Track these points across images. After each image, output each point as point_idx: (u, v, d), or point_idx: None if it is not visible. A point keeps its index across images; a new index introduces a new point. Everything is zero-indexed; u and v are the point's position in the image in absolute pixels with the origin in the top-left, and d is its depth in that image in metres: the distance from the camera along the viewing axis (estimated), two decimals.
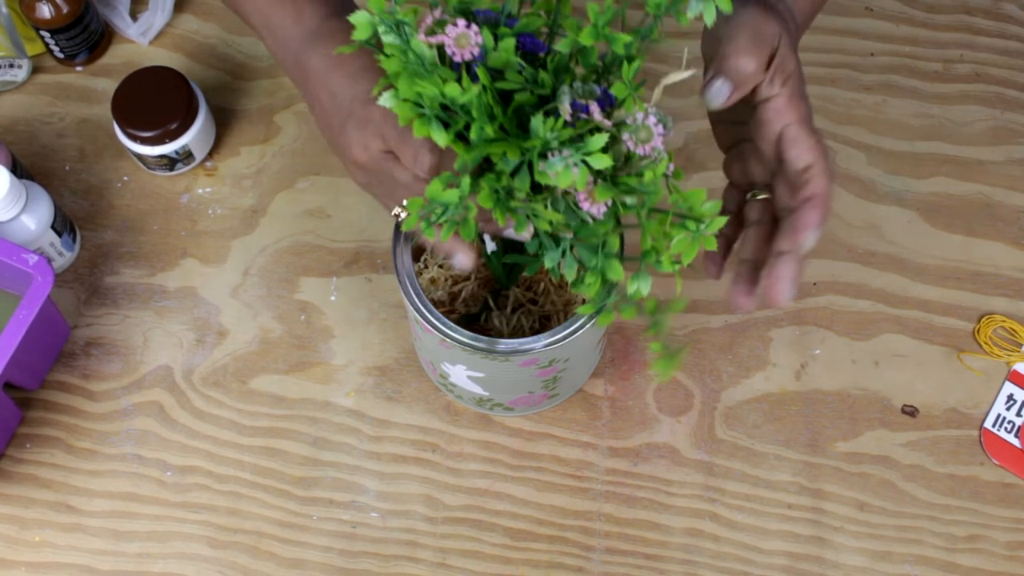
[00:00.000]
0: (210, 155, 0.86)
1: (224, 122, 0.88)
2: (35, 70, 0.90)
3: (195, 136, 0.82)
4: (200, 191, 0.85)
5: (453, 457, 0.78)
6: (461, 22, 0.49)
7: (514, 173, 0.51)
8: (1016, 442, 0.78)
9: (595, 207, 0.51)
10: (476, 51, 0.49)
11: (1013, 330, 0.81)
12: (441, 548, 0.75)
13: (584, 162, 0.49)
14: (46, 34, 0.85)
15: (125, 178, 0.86)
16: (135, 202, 0.85)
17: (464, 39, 0.49)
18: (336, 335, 0.81)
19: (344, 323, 0.81)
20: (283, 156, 0.87)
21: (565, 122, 0.50)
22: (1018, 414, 0.79)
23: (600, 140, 0.48)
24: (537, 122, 0.49)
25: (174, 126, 0.81)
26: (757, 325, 0.81)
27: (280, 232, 0.84)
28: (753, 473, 0.77)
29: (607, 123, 0.50)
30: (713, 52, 0.57)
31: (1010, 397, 0.80)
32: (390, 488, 0.77)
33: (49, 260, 0.76)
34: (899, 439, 0.79)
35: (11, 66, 0.87)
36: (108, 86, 0.88)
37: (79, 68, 0.90)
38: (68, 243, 0.81)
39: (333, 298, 0.82)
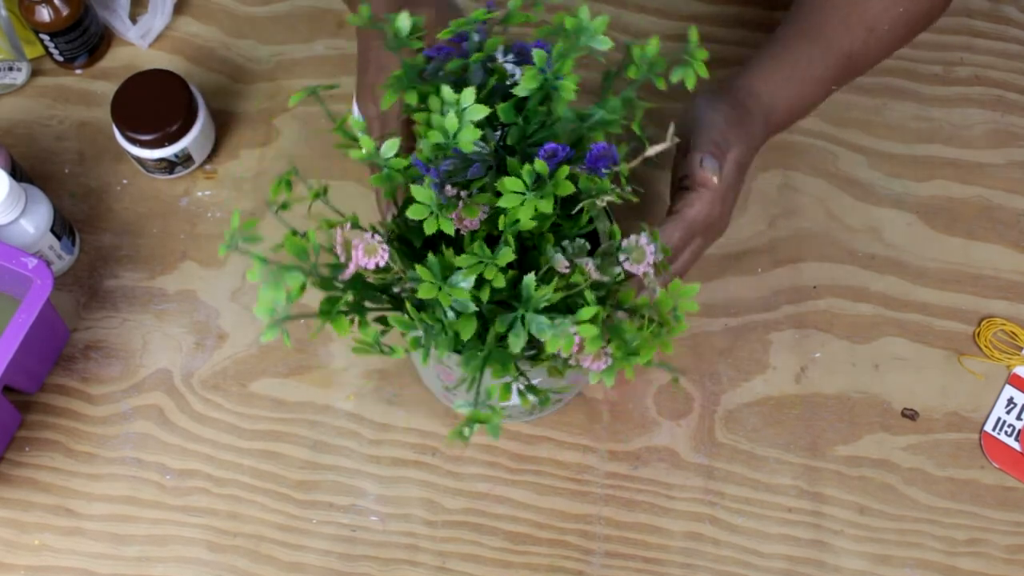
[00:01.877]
0: (209, 158, 0.86)
1: (223, 125, 0.88)
2: (34, 73, 0.90)
3: (194, 139, 0.82)
4: (199, 194, 0.85)
5: (453, 460, 0.78)
6: (367, 235, 0.53)
7: (505, 334, 0.54)
8: (1016, 446, 0.78)
9: (586, 359, 0.54)
10: (383, 260, 0.53)
11: (1013, 333, 0.81)
12: (441, 552, 0.75)
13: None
14: (45, 37, 0.85)
15: (124, 181, 0.86)
16: (134, 205, 0.85)
17: (372, 249, 0.53)
18: (335, 339, 0.81)
19: None
20: (282, 159, 0.87)
21: (560, 274, 0.55)
22: (1018, 418, 0.79)
23: (590, 311, 0.52)
24: (528, 282, 0.52)
25: (173, 129, 0.81)
26: (756, 328, 0.81)
27: (279, 235, 0.84)
28: (753, 476, 0.77)
29: (603, 278, 0.55)
30: (683, 136, 0.67)
31: (1010, 400, 0.79)
32: (390, 491, 0.77)
33: (48, 263, 0.76)
34: (899, 443, 0.78)
35: (10, 69, 0.87)
36: (107, 89, 0.88)
37: (78, 71, 0.90)
38: (67, 246, 0.81)
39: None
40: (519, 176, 0.54)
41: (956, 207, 0.86)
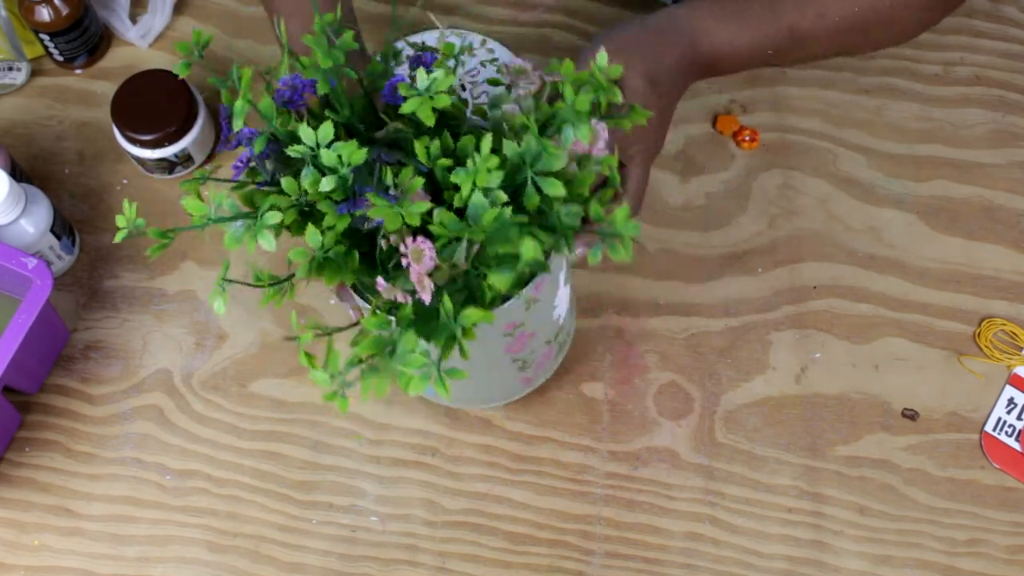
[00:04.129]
0: (209, 158, 0.86)
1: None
2: (34, 73, 0.90)
3: (194, 139, 0.82)
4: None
5: (453, 461, 0.78)
6: (418, 239, 0.52)
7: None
8: (1017, 446, 0.78)
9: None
10: (431, 263, 0.51)
11: (1013, 333, 0.81)
12: (441, 552, 0.75)
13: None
14: (45, 37, 0.85)
15: (124, 181, 0.86)
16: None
17: (418, 253, 0.52)
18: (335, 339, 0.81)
19: None
20: None
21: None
22: (1018, 418, 0.79)
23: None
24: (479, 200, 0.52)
25: (173, 129, 0.81)
26: (757, 328, 0.81)
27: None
28: (753, 477, 0.77)
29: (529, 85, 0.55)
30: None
31: (1010, 401, 0.79)
32: (390, 492, 0.77)
33: (48, 264, 0.76)
34: (899, 443, 0.78)
35: (10, 69, 0.87)
36: (107, 89, 0.88)
37: (78, 71, 0.90)
38: (67, 246, 0.81)
39: (333, 301, 0.82)
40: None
41: (956, 207, 0.86)
